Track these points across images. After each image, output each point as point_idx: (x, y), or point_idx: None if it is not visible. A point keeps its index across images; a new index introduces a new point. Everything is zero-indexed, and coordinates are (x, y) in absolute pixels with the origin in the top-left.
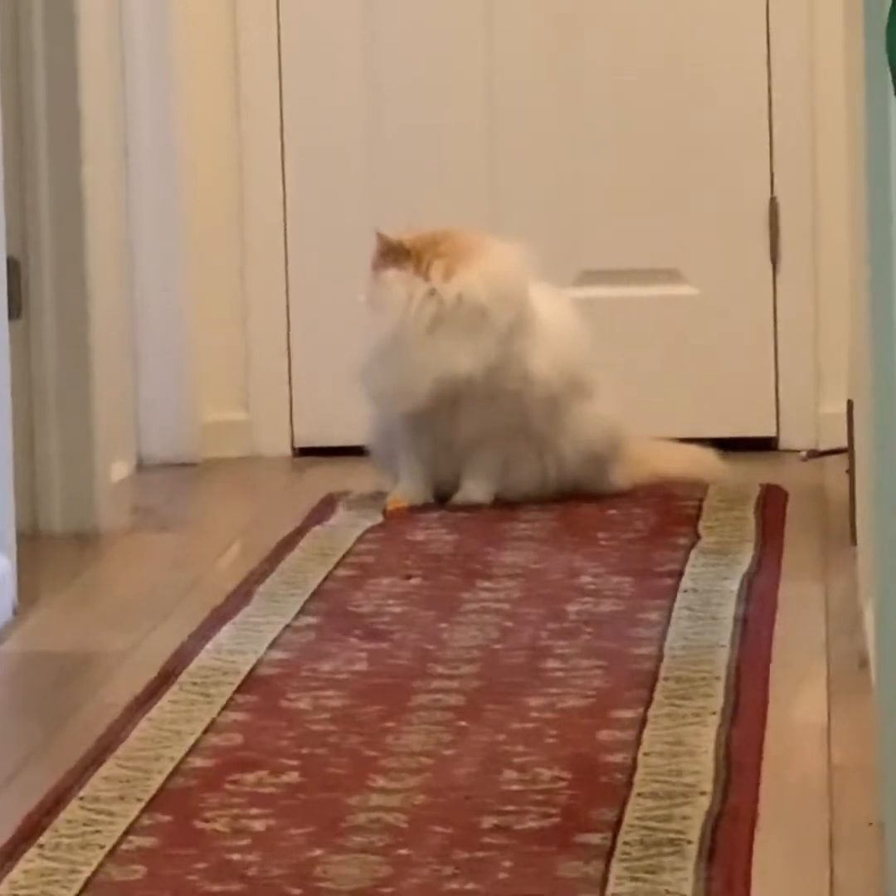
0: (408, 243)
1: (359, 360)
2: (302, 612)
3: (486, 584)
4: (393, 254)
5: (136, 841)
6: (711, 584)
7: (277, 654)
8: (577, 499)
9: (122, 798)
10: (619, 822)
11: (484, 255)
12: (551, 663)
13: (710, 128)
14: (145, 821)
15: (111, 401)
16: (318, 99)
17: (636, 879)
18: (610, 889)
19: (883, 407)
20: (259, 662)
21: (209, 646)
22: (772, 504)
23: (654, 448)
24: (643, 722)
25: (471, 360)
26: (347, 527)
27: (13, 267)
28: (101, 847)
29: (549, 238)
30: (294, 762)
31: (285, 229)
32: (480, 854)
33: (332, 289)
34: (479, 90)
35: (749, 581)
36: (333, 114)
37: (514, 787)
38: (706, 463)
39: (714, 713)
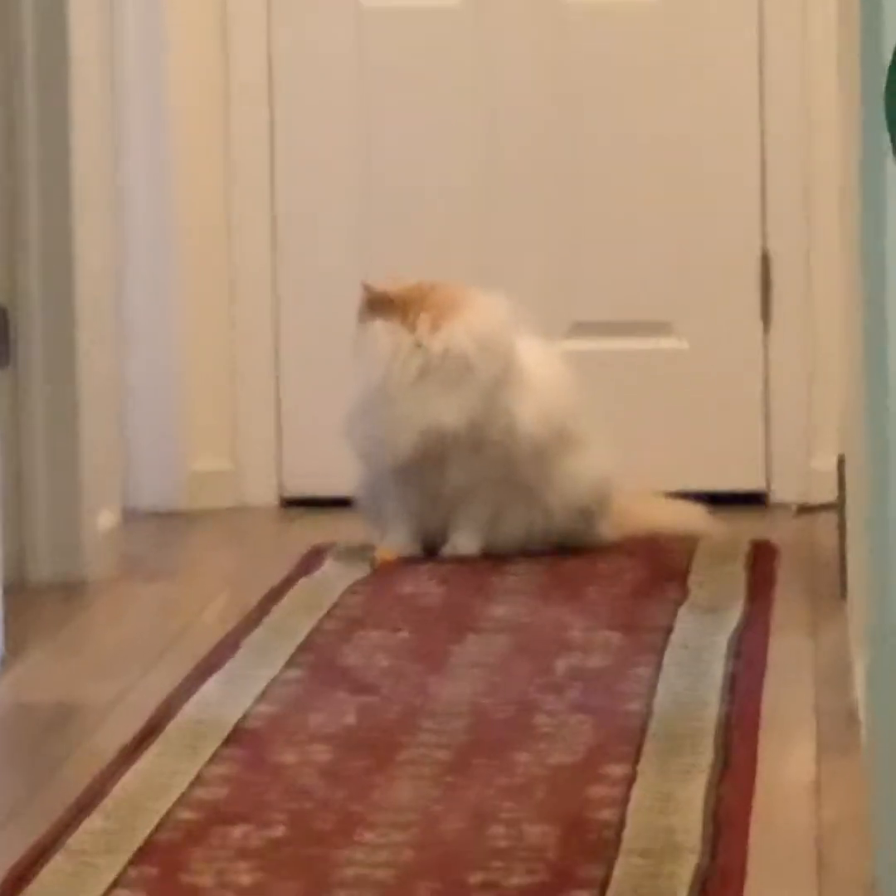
0: (394, 295)
1: (345, 412)
2: (289, 664)
3: (475, 637)
4: (379, 305)
5: (122, 894)
6: (701, 639)
7: (264, 707)
8: (566, 552)
9: (108, 850)
10: (607, 880)
11: (470, 308)
12: (540, 718)
13: (702, 182)
14: (131, 873)
15: (99, 450)
16: (309, 149)
17: None
18: None
19: (876, 463)
20: (246, 715)
21: (196, 698)
22: (762, 559)
23: (643, 501)
24: (632, 778)
25: (456, 412)
26: (335, 579)
27: (1, 315)
28: None
29: (541, 290)
30: (281, 816)
31: (275, 280)
32: None
33: (321, 340)
34: (472, 142)
35: (739, 636)
36: (324, 164)
37: (502, 843)
38: (694, 517)
39: (703, 769)
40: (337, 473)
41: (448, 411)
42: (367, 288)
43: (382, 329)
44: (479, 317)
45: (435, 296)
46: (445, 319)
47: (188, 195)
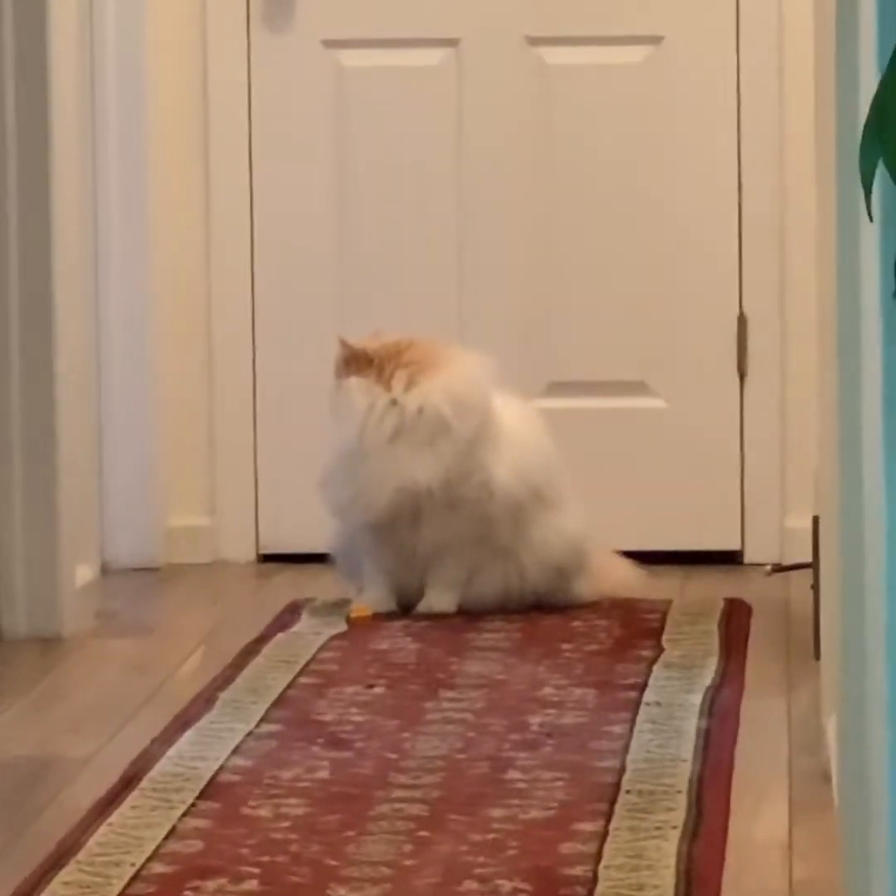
0: (371, 352)
1: (321, 469)
2: (264, 719)
3: (450, 694)
4: (356, 362)
5: None
6: (674, 697)
7: (239, 761)
8: (541, 610)
9: None
10: None
11: (446, 366)
12: (513, 774)
13: (679, 242)
14: None
15: (76, 505)
16: (287, 205)
17: None
18: None
19: (850, 523)
20: (221, 769)
21: (171, 752)
22: (735, 618)
23: (604, 561)
24: (604, 835)
25: (431, 470)
26: (311, 634)
27: None
28: None
29: (517, 349)
30: (255, 870)
31: (253, 337)
32: None
33: (299, 396)
34: (449, 203)
35: (712, 695)
36: (304, 229)
37: None
38: (629, 578)
39: (675, 827)
40: (314, 529)
41: (423, 469)
42: (343, 344)
43: (358, 386)
44: (456, 374)
45: (412, 352)
46: (422, 376)
47: (165, 251)
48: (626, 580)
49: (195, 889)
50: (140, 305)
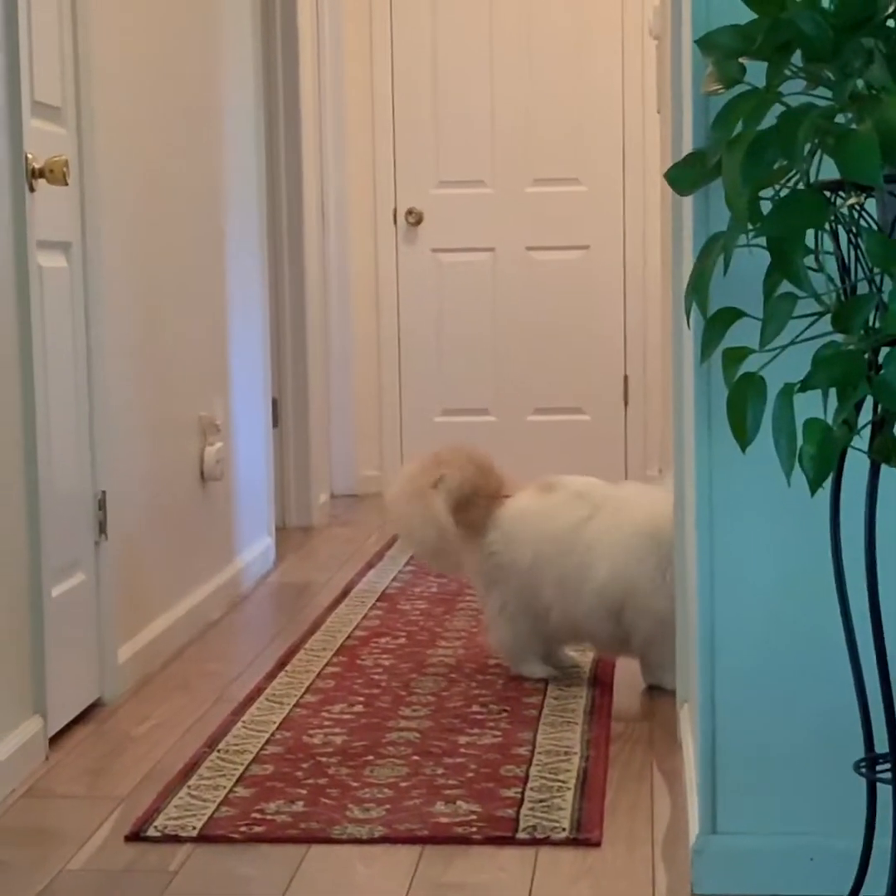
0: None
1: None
2: (406, 564)
3: None
4: None
5: (330, 671)
6: None
7: (395, 584)
8: None
9: (324, 648)
10: None
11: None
12: None
13: (581, 326)
14: (335, 660)
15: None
16: None
17: None
18: None
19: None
20: (387, 587)
21: (364, 579)
22: None
23: None
24: None
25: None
26: None
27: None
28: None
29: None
30: (405, 630)
31: None
32: None
33: None
34: None
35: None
36: None
37: None
38: None
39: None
40: None
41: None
42: None
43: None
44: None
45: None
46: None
47: None
48: None
49: (376, 641)
50: None
